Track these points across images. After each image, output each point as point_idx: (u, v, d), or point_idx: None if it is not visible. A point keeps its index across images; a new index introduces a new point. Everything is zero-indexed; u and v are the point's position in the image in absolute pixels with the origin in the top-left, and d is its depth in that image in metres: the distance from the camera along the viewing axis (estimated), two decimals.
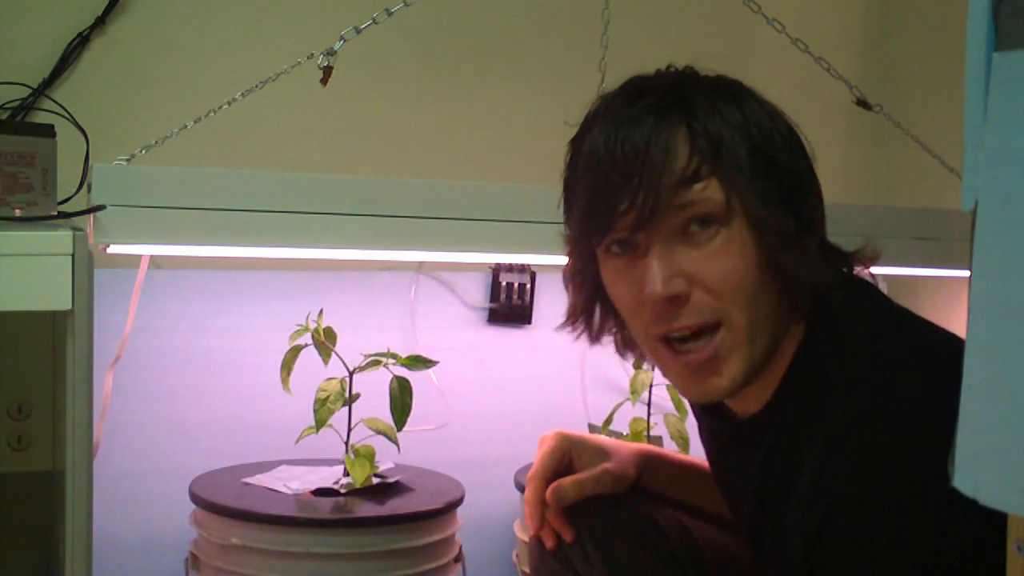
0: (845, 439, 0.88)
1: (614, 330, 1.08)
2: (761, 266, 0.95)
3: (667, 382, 1.67)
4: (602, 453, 1.19)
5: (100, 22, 1.67)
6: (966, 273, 0.63)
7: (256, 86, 1.37)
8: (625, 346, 1.08)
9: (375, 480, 1.50)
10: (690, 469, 1.23)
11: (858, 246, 1.03)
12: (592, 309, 1.07)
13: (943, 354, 0.90)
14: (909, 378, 0.89)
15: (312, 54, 1.36)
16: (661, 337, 0.97)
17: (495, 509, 1.77)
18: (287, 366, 1.51)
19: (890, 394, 0.89)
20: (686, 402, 1.68)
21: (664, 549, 1.14)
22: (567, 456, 1.19)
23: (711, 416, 1.12)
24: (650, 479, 1.21)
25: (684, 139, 0.94)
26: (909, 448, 0.85)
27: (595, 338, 1.09)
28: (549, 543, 1.16)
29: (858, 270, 1.03)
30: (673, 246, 0.94)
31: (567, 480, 1.15)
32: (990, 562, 0.71)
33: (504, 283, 1.85)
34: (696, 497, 1.21)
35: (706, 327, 0.95)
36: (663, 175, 0.93)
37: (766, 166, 0.95)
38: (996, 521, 0.66)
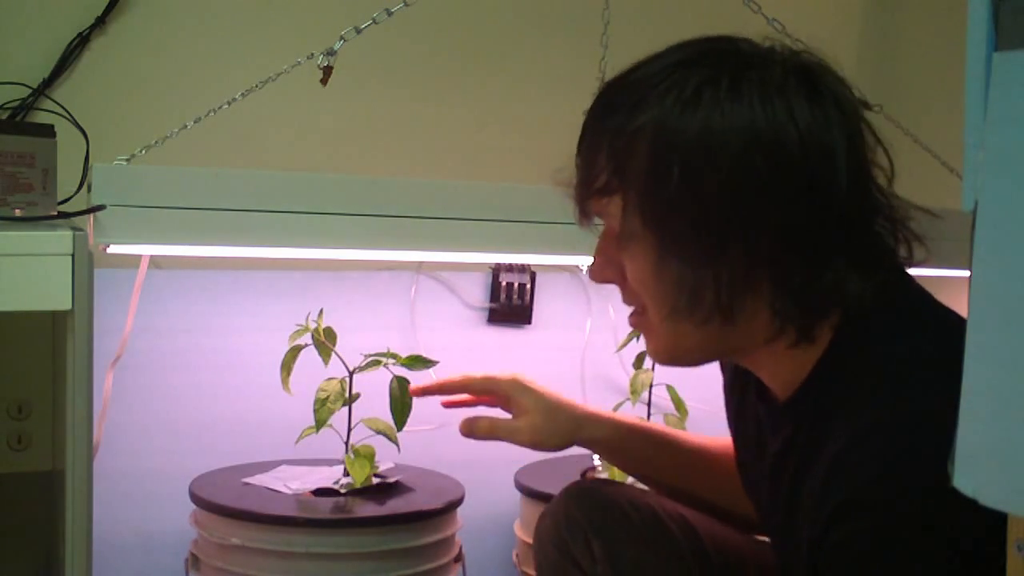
0: (859, 445, 0.87)
1: None
2: (673, 278, 0.94)
3: (667, 382, 1.68)
4: (545, 410, 1.19)
5: (100, 22, 1.67)
6: (966, 273, 0.62)
7: (256, 86, 1.36)
8: None
9: (375, 480, 1.51)
10: (700, 458, 1.23)
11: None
12: None
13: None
14: (929, 385, 0.88)
15: (312, 54, 1.36)
16: None
17: (495, 509, 1.77)
18: (287, 366, 1.50)
19: (908, 401, 0.88)
20: (688, 401, 1.68)
21: (668, 545, 1.14)
22: (503, 396, 1.22)
23: (752, 395, 1.08)
24: (645, 457, 1.22)
25: (605, 150, 0.96)
26: (922, 457, 0.84)
27: None
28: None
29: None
30: (609, 239, 0.99)
31: (484, 417, 1.21)
32: (990, 568, 0.70)
33: (504, 283, 1.85)
34: (701, 486, 1.21)
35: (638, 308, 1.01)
36: (581, 185, 0.99)
37: (679, 187, 0.92)
38: (997, 523, 0.66)
